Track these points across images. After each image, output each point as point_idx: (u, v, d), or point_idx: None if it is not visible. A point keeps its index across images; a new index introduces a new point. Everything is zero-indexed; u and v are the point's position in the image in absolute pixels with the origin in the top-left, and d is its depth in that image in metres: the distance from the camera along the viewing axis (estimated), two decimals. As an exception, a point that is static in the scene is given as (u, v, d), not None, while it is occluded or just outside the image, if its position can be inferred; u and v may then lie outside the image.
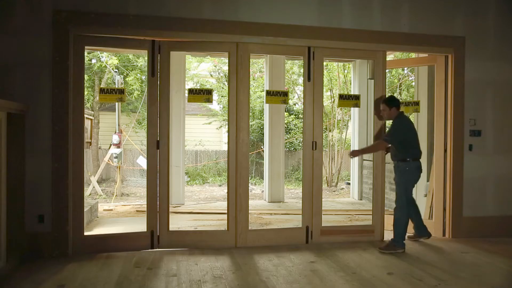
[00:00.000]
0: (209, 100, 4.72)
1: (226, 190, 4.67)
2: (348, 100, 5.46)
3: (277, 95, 4.92)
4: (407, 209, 4.45)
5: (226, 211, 4.64)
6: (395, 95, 14.48)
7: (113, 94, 4.75)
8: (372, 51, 4.86)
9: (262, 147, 12.21)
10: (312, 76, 4.68)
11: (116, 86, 9.93)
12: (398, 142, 4.47)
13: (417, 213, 4.69)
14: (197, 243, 4.48)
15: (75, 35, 4.12)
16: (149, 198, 4.43)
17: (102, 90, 4.75)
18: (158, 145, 4.42)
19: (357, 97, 5.30)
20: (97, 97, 11.77)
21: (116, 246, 4.30)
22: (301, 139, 14.32)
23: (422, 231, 4.71)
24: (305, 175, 4.73)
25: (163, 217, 4.44)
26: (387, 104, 4.56)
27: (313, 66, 4.68)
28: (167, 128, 4.46)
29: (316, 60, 4.68)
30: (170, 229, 4.51)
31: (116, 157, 9.17)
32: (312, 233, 4.69)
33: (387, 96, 4.74)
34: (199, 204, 7.86)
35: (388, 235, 4.71)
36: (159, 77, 4.42)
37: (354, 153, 4.82)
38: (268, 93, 4.97)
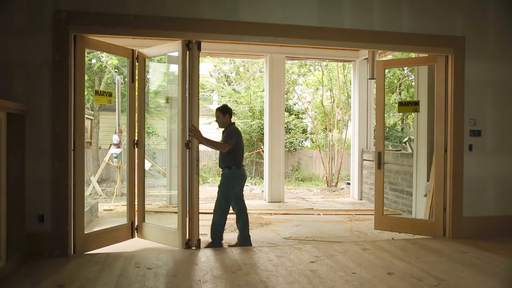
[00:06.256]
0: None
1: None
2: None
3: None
4: (224, 212, 4.57)
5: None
6: (394, 94, 14.51)
7: (104, 96, 5.00)
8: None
9: (262, 147, 12.21)
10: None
11: (116, 86, 9.97)
12: (229, 149, 4.55)
13: (246, 224, 4.72)
14: (161, 238, 4.63)
15: (75, 35, 4.12)
16: (129, 192, 4.83)
17: (97, 92, 4.94)
18: (136, 145, 4.78)
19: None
20: (95, 98, 11.82)
21: (107, 240, 4.52)
22: (302, 139, 14.37)
23: (245, 242, 4.71)
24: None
25: (141, 210, 4.82)
26: (221, 112, 4.70)
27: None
28: (143, 129, 4.84)
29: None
30: (146, 221, 4.86)
31: (116, 157, 9.17)
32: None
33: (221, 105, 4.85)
34: (199, 204, 7.83)
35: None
36: (137, 83, 4.78)
37: (196, 134, 4.34)
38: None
